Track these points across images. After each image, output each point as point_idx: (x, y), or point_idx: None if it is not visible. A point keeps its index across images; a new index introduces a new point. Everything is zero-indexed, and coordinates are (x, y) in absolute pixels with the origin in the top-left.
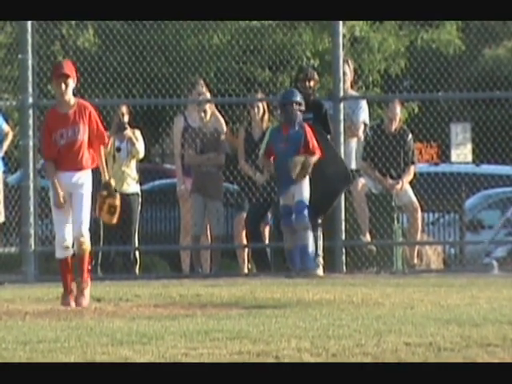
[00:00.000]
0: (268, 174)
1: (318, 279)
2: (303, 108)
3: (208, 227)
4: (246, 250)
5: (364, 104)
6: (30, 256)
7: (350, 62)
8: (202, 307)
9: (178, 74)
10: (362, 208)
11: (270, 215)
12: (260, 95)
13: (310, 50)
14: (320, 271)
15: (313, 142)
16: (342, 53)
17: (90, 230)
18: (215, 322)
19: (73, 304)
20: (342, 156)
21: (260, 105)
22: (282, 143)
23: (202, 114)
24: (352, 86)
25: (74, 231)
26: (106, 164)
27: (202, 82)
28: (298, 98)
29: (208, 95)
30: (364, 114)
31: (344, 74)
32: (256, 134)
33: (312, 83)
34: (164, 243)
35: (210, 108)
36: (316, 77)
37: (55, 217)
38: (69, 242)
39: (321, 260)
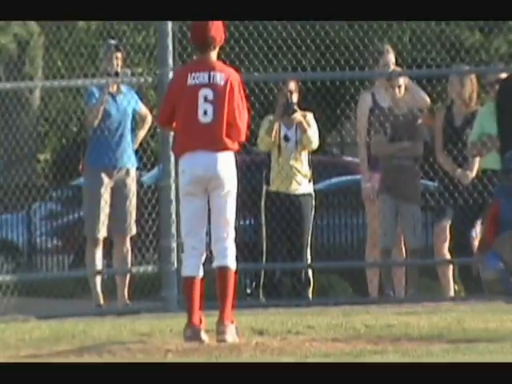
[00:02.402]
0: (475, 169)
1: None
2: None
3: (402, 238)
4: (452, 266)
5: None
6: (171, 277)
7: None
8: (394, 341)
9: (360, 40)
10: None
11: (479, 222)
12: (467, 66)
13: None
14: None
15: None
16: None
17: (247, 242)
18: (412, 360)
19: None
20: None
21: (467, 79)
22: None
23: (396, 91)
24: None
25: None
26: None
27: (390, 49)
28: None
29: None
30: None
31: None
32: (459, 117)
33: None
34: (344, 259)
35: (404, 82)
36: None
37: None
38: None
39: None
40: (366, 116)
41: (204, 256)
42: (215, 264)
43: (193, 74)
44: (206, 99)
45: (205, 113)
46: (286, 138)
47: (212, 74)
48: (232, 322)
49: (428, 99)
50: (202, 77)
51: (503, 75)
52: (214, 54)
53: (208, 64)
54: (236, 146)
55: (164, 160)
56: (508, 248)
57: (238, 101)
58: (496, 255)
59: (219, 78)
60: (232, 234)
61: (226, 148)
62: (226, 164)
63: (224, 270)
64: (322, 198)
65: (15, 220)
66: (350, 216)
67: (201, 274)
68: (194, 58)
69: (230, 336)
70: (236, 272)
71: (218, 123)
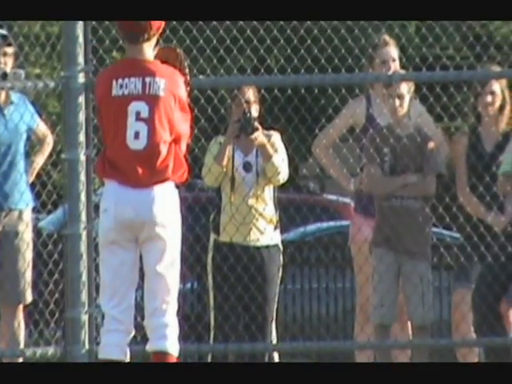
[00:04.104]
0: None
1: None
2: None
3: (405, 309)
4: (476, 349)
5: None
6: (81, 359)
7: None
8: None
9: (348, 30)
10: None
11: None
12: (497, 67)
13: None
14: None
15: None
16: None
17: (187, 314)
18: None
19: None
20: None
21: (496, 85)
22: None
23: (396, 102)
24: None
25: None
26: None
27: (390, 40)
28: None
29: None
30: None
31: None
32: (488, 140)
33: None
34: (325, 338)
35: (409, 91)
36: None
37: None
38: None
39: None
40: (341, 127)
41: (131, 333)
42: (150, 347)
43: (119, 81)
44: (138, 117)
45: (136, 136)
46: (243, 168)
47: (148, 80)
48: None
49: (440, 135)
50: (134, 84)
51: None
52: (148, 48)
53: (141, 65)
54: (182, 177)
55: (71, 197)
56: None
57: (181, 118)
58: None
59: (158, 86)
60: (174, 305)
61: (165, 179)
62: (166, 203)
63: (162, 356)
64: (293, 252)
65: None
66: (332, 278)
67: (125, 357)
68: (123, 55)
69: None
70: (178, 359)
71: (155, 150)
